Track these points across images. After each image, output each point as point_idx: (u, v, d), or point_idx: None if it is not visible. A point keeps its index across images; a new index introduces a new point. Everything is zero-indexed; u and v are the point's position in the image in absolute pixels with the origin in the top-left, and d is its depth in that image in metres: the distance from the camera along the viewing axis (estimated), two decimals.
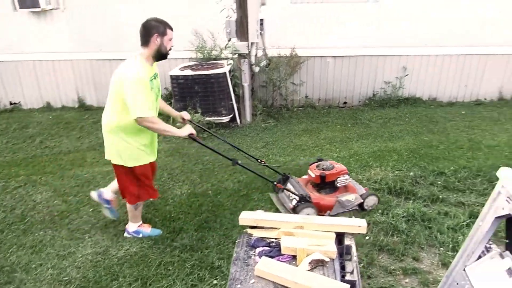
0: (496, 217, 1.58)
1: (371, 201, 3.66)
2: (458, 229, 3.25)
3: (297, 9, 6.46)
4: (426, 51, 6.60)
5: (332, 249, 1.83)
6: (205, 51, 6.28)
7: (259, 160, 3.93)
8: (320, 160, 3.88)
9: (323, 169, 3.66)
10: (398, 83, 6.77)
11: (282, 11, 6.42)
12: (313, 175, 3.68)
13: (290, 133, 5.78)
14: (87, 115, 6.86)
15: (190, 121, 3.50)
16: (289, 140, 5.54)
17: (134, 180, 3.15)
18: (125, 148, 3.02)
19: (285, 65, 6.45)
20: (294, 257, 1.84)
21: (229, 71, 5.76)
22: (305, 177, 3.97)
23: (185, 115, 3.49)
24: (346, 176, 3.70)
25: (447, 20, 6.38)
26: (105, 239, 3.39)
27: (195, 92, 5.66)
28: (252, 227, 2.10)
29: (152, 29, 2.88)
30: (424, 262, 2.96)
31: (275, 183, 3.70)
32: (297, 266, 1.79)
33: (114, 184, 3.38)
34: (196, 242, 3.26)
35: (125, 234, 3.43)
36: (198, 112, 5.57)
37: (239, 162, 3.35)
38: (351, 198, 3.59)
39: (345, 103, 7.02)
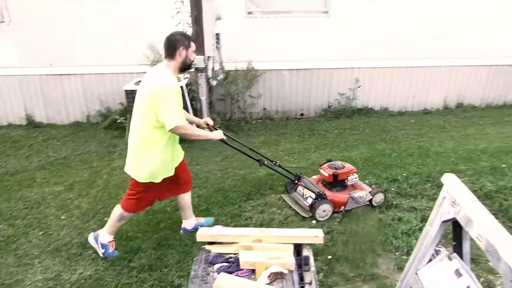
0: (443, 221, 1.67)
1: (378, 197, 3.91)
2: (411, 233, 3.39)
3: (253, 23, 6.57)
4: (377, 64, 6.91)
5: (290, 261, 1.84)
6: None
7: (274, 162, 3.97)
8: (329, 160, 4.09)
9: (335, 168, 3.90)
10: (351, 95, 7.02)
11: (238, 25, 6.50)
12: (326, 174, 3.90)
13: (249, 146, 5.79)
14: (36, 132, 6.53)
15: (213, 126, 3.53)
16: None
17: (140, 194, 3.18)
18: (154, 162, 3.05)
19: (243, 79, 6.51)
20: (253, 271, 1.83)
21: (186, 85, 5.72)
22: (314, 177, 4.17)
23: (209, 120, 3.55)
24: (355, 175, 3.95)
25: (395, 34, 6.74)
26: (57, 263, 3.21)
27: None
28: (211, 243, 2.07)
29: (178, 43, 3.00)
30: (381, 267, 3.05)
31: (296, 181, 3.93)
32: (256, 280, 1.78)
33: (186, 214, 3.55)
34: (155, 261, 3.16)
35: (91, 240, 3.28)
36: None
37: (265, 162, 3.64)
38: (362, 194, 3.83)
39: (302, 114, 7.17)
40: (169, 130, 2.90)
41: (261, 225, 3.67)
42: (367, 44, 6.76)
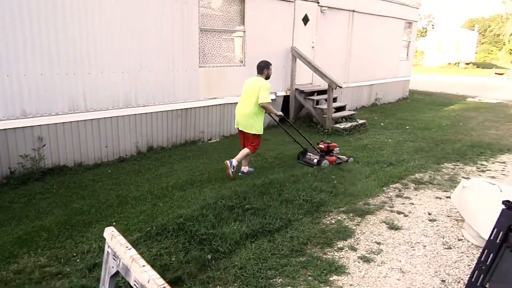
0: (111, 277, 1.62)
1: (351, 160, 7.14)
2: None
3: None
4: (62, 119, 6.52)
5: None
6: None
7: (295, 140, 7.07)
8: (322, 141, 7.15)
9: (328, 143, 6.97)
10: (37, 155, 6.30)
11: None
12: (322, 147, 6.95)
13: None
14: None
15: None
16: None
17: (256, 142, 6.32)
18: (259, 123, 6.17)
19: None
20: None
21: None
22: None
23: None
24: (338, 149, 7.11)
25: (74, 86, 6.59)
26: None
27: None
28: None
29: (265, 66, 6.19)
30: None
31: (307, 149, 7.16)
32: None
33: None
34: None
35: (227, 164, 6.11)
36: None
37: (296, 139, 7.03)
38: (343, 157, 7.13)
39: None
40: (260, 103, 5.97)
41: None
42: (42, 99, 6.28)
